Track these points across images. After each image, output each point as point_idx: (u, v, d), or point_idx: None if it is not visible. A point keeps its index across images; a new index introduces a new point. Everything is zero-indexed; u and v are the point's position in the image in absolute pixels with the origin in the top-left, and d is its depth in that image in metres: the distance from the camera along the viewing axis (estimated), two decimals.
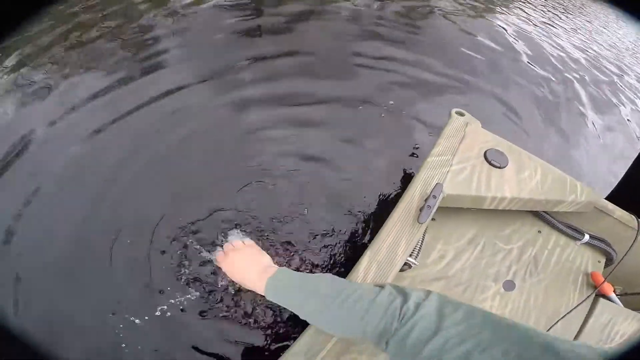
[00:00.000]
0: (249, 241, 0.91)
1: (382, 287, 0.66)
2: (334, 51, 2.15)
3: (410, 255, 0.88)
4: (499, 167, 1.01)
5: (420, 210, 0.87)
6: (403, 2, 2.83)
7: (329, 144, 1.63)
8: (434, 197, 0.88)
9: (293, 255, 1.25)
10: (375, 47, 2.23)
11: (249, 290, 0.80)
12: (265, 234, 1.28)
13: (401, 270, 0.89)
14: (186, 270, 1.17)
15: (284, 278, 0.74)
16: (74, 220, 1.25)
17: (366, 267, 0.81)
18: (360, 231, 1.37)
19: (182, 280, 1.15)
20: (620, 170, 1.81)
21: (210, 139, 1.57)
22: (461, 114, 1.13)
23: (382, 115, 1.83)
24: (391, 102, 1.88)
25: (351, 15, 2.49)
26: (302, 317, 0.70)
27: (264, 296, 0.74)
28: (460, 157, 1.01)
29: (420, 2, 2.93)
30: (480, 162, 1.01)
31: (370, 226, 1.38)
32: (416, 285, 0.97)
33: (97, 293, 1.12)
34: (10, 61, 1.78)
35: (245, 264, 0.82)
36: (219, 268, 0.89)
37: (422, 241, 0.92)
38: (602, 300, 1.01)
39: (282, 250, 1.26)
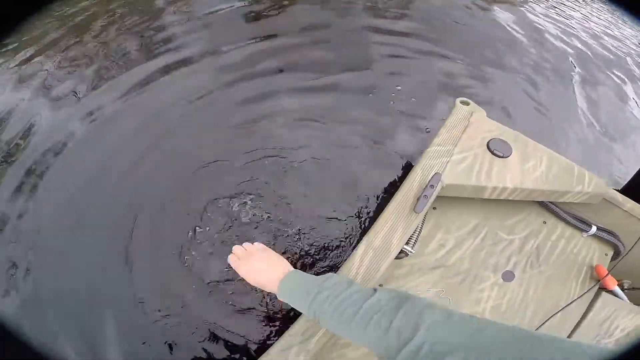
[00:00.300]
0: (259, 244, 0.89)
1: (375, 290, 0.64)
2: (343, 32, 2.15)
3: (407, 244, 0.89)
4: (502, 157, 0.99)
5: (418, 199, 0.87)
6: None
7: (334, 127, 1.66)
8: (432, 186, 0.88)
9: (291, 236, 1.30)
10: (381, 29, 2.21)
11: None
12: (271, 210, 1.35)
13: (398, 258, 0.91)
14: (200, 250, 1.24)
15: (292, 281, 0.75)
16: (82, 195, 1.36)
17: (362, 254, 0.83)
18: (359, 217, 1.39)
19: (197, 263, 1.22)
20: (631, 165, 1.75)
21: (216, 113, 1.66)
22: (466, 103, 1.12)
23: (391, 102, 1.82)
24: (398, 87, 1.87)
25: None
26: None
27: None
28: (462, 147, 1.00)
29: None
30: (482, 152, 1.00)
31: (370, 214, 1.40)
32: (414, 274, 0.98)
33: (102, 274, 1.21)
34: (24, 53, 1.91)
35: (265, 268, 0.81)
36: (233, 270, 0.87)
37: (420, 230, 0.93)
38: (604, 294, 1.00)
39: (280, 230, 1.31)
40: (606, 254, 1.10)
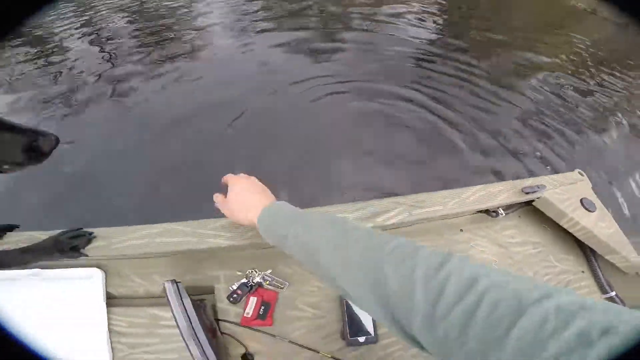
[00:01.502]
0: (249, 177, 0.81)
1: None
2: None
3: (504, 210, 1.30)
4: (587, 210, 1.36)
5: (523, 189, 1.29)
6: None
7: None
8: (538, 187, 1.30)
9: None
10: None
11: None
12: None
13: (490, 215, 1.32)
14: None
15: (276, 211, 0.66)
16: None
17: (476, 190, 1.26)
18: None
19: None
20: None
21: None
22: (581, 174, 1.48)
23: (537, 155, 2.34)
24: (537, 153, 2.39)
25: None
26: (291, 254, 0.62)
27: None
28: (560, 189, 1.39)
29: None
30: (574, 200, 1.36)
31: None
32: (479, 235, 1.37)
33: None
34: None
35: (249, 195, 0.72)
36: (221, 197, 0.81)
37: (514, 210, 1.33)
38: None
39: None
40: None
